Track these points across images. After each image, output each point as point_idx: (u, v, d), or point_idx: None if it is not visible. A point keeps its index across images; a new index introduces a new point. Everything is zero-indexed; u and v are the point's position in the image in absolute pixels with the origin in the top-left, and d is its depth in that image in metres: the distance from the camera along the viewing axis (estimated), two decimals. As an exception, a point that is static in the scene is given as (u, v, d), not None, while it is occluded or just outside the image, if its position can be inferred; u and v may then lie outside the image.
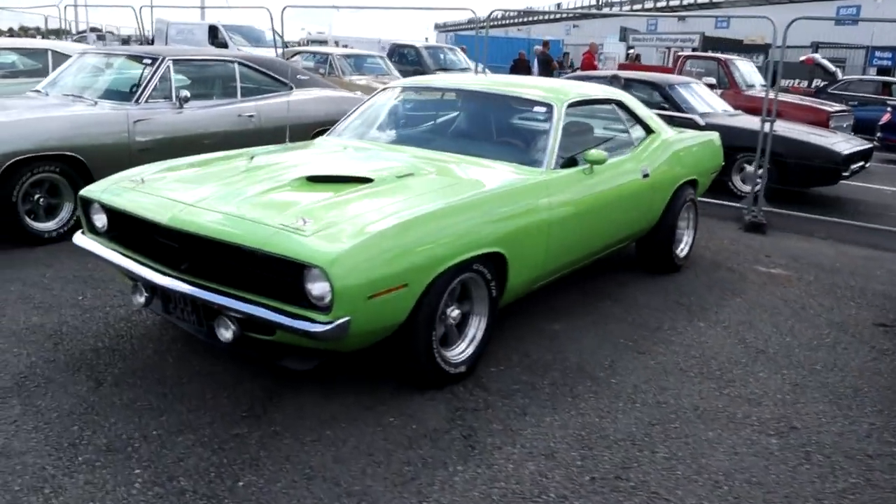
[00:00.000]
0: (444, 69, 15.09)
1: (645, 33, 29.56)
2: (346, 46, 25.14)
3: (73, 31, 24.16)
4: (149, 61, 6.19)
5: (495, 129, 4.63)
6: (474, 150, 4.29)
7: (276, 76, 7.13)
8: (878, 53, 24.33)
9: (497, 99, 4.67)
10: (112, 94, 6.16)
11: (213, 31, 18.07)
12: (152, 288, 3.41)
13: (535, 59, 19.66)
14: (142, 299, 3.48)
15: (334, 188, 3.48)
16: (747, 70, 12.39)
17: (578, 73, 12.65)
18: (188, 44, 17.57)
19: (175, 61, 6.22)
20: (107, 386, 3.36)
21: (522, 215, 3.76)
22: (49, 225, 5.47)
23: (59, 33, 20.87)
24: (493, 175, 3.94)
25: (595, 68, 15.05)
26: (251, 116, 6.65)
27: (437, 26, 62.75)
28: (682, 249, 5.70)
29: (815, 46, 27.91)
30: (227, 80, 6.78)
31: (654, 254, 5.47)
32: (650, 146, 5.16)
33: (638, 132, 5.21)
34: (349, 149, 4.44)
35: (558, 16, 54.40)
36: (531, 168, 4.09)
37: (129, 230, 3.59)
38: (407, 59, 15.36)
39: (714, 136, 6.21)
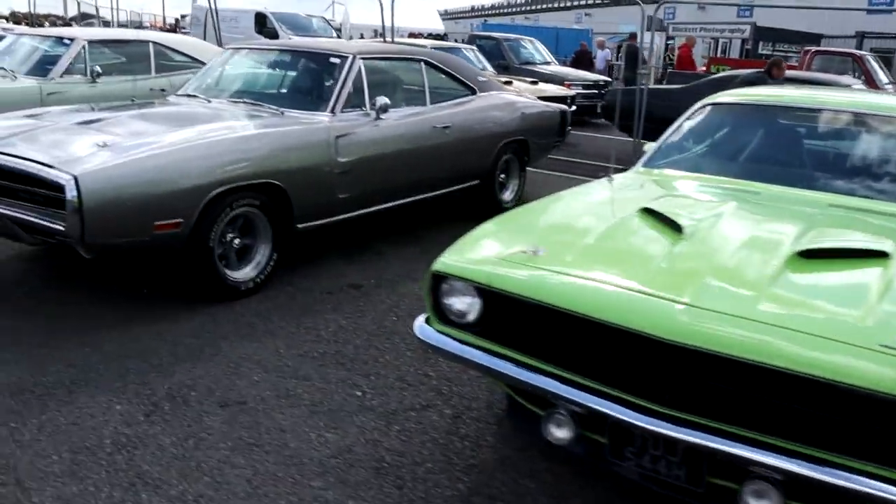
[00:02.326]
0: (528, 63, 13.82)
1: (679, 23, 28.21)
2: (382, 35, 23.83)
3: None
4: (336, 60, 4.94)
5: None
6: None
7: (461, 77, 5.91)
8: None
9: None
10: (287, 100, 4.92)
11: (261, 19, 16.65)
12: (590, 421, 2.25)
13: (599, 52, 18.51)
14: (566, 435, 2.32)
15: (857, 268, 2.33)
16: (878, 67, 11.32)
17: (723, 74, 11.38)
18: (233, 33, 16.15)
19: (364, 59, 4.98)
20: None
21: None
22: (246, 272, 4.24)
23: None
24: None
25: (693, 65, 13.86)
26: (446, 128, 5.43)
27: (441, 14, 60.92)
28: None
29: (861, 36, 26.98)
30: (415, 83, 5.56)
31: None
32: None
33: None
34: (726, 192, 3.21)
35: (568, 3, 53.09)
36: None
37: (514, 324, 2.42)
38: (484, 51, 14.06)
39: None
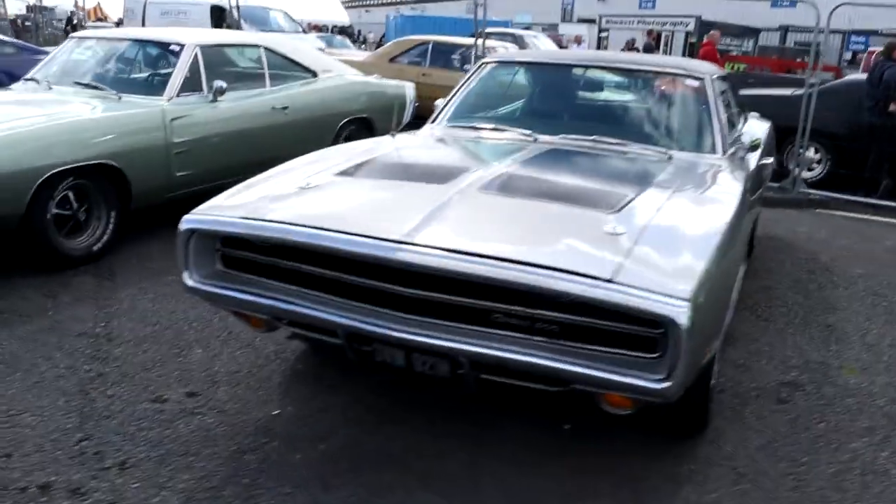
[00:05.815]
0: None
1: (617, 16, 27.96)
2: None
3: None
4: (696, 83, 3.72)
5: None
6: None
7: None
8: (853, 38, 24.50)
9: None
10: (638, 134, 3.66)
11: (217, 12, 14.54)
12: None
13: (575, 46, 17.77)
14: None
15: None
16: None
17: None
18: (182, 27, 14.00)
19: (719, 79, 3.81)
20: None
21: None
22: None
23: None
24: None
25: (719, 62, 13.28)
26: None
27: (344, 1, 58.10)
28: None
29: (785, 30, 27.99)
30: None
31: None
32: None
33: None
34: None
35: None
36: None
37: None
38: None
39: None
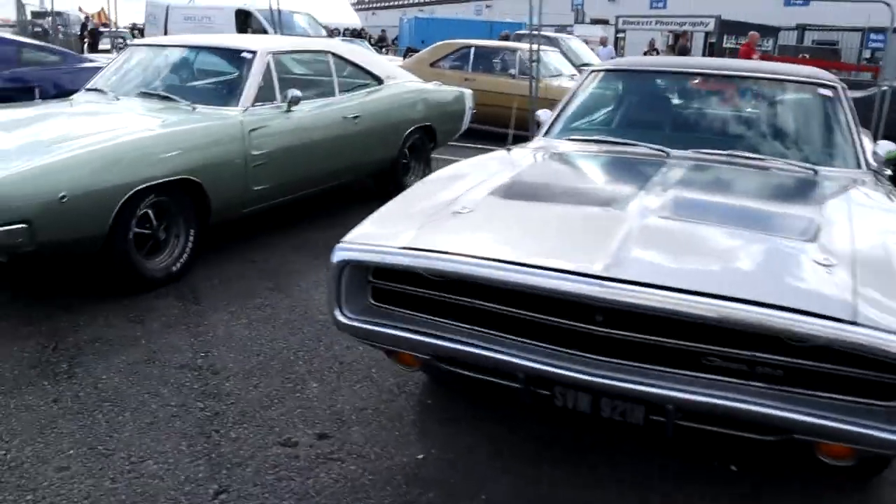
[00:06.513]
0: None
1: (634, 17, 27.61)
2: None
3: None
4: (828, 92, 3.49)
5: None
6: None
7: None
8: (872, 36, 24.20)
9: None
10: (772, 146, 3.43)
11: (243, 17, 14.28)
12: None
13: (601, 49, 17.54)
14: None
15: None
16: None
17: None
18: (204, 33, 13.76)
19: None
20: None
21: None
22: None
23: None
24: None
25: (755, 61, 13.07)
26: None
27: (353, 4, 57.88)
28: None
29: (803, 28, 27.73)
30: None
31: None
32: None
33: None
34: None
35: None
36: None
37: None
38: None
39: None
